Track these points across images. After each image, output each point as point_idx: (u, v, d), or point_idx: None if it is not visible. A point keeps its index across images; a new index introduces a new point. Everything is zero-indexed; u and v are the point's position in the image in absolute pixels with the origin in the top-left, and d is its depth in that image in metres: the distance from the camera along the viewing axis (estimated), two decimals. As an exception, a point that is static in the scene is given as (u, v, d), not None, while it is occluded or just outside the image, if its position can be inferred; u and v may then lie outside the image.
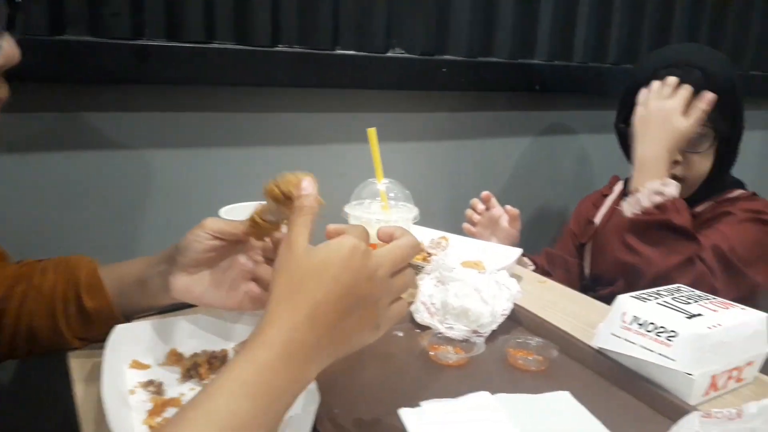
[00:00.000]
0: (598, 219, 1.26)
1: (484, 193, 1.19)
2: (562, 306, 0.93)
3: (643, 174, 1.02)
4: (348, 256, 0.46)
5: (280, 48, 1.00)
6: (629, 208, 1.01)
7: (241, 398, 0.41)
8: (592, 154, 1.50)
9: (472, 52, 1.20)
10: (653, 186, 0.99)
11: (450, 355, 0.73)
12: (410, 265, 0.53)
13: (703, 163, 1.08)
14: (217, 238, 0.64)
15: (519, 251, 1.07)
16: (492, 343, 0.76)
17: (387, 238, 0.54)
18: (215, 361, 0.67)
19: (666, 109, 1.02)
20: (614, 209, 1.22)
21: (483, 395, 0.64)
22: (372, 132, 0.88)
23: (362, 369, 0.70)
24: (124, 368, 0.66)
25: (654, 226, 0.98)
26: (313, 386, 0.57)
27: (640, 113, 1.07)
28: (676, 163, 1.05)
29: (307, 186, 0.53)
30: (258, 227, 0.61)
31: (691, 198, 1.10)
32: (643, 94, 1.07)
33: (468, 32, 1.18)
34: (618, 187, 1.25)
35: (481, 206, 1.20)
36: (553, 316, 0.88)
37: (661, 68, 1.07)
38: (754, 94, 1.80)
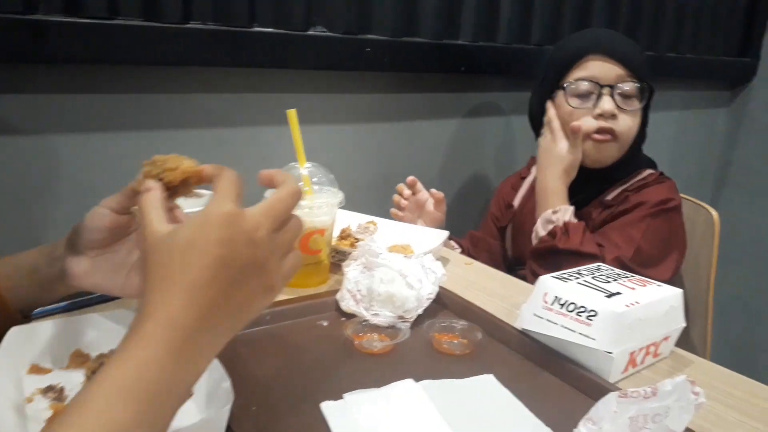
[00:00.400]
0: (517, 202, 1.28)
1: (410, 178, 1.18)
2: (488, 287, 0.94)
3: (541, 205, 1.11)
4: (216, 226, 0.42)
5: (192, 25, 0.94)
6: (533, 238, 1.09)
7: (120, 403, 0.37)
8: (516, 134, 1.51)
9: (396, 31, 1.18)
10: (546, 216, 1.08)
11: (375, 343, 0.71)
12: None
13: (634, 122, 1.11)
14: (118, 212, 0.59)
15: (445, 234, 1.07)
16: (418, 328, 0.75)
17: (267, 182, 0.51)
18: None
19: (572, 148, 1.10)
20: (531, 192, 1.24)
21: (407, 383, 0.63)
22: (292, 113, 0.85)
23: (283, 362, 0.68)
24: (22, 374, 0.61)
25: (548, 252, 1.04)
26: (227, 383, 0.54)
27: (544, 144, 1.14)
28: (613, 117, 1.09)
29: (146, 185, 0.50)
30: None
31: (607, 176, 1.14)
32: (555, 122, 1.13)
33: (392, 11, 1.15)
34: (535, 170, 1.27)
35: (407, 191, 1.20)
36: (479, 297, 0.89)
37: (576, 56, 1.11)
38: (670, 75, 1.88)
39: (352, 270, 0.83)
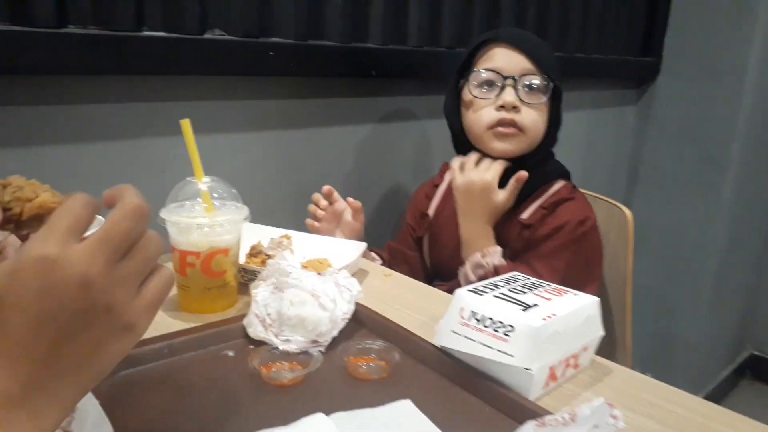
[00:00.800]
0: (431, 211, 1.25)
1: (325, 187, 1.13)
2: (408, 300, 0.90)
3: (469, 249, 1.09)
4: (32, 275, 0.35)
5: (70, 29, 0.85)
6: (462, 280, 1.08)
7: None
8: (432, 139, 1.49)
9: (301, 35, 1.12)
10: (475, 260, 1.06)
11: (285, 373, 0.66)
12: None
13: (539, 117, 1.09)
14: None
15: (363, 245, 1.02)
16: (332, 351, 0.71)
17: (110, 203, 0.42)
18: None
19: (484, 183, 1.07)
20: (446, 199, 1.23)
21: (317, 418, 0.58)
22: (185, 123, 0.78)
23: (180, 401, 0.61)
24: None
25: None
26: (108, 430, 0.47)
27: (459, 182, 1.10)
28: (515, 109, 1.07)
29: None
30: None
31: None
32: (456, 162, 1.12)
33: (295, 13, 1.09)
34: (448, 176, 1.25)
35: (323, 201, 1.14)
36: (398, 312, 0.85)
37: (481, 44, 1.10)
38: (580, 75, 1.92)
39: (261, 292, 0.77)
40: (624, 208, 1.24)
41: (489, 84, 1.08)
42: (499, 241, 1.10)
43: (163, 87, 1.00)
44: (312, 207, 1.15)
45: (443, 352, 0.68)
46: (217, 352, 0.71)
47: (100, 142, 0.96)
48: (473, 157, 1.11)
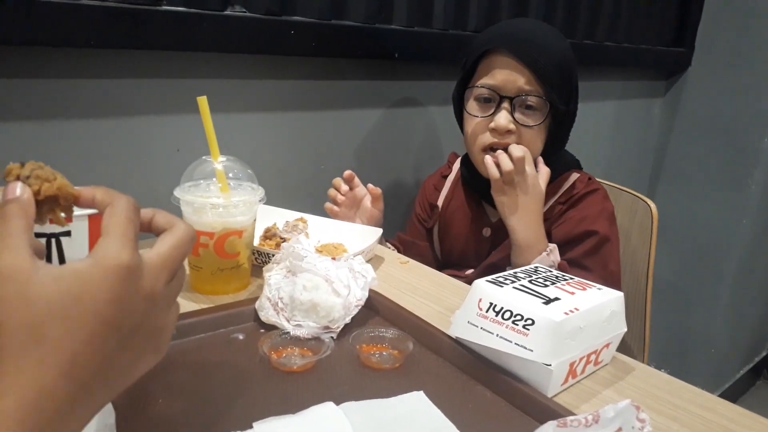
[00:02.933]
0: (440, 202, 1.21)
1: (347, 172, 1.11)
2: (424, 289, 0.88)
3: (531, 253, 1.00)
4: (111, 281, 0.35)
5: (89, 1, 0.83)
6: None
7: None
8: (452, 126, 1.46)
9: (323, 13, 1.09)
10: (545, 261, 0.98)
11: (295, 360, 0.64)
12: None
13: (536, 138, 1.03)
14: None
15: (380, 231, 1.00)
16: (344, 338, 0.69)
17: (148, 227, 0.43)
18: None
19: (527, 180, 0.99)
20: (454, 190, 1.20)
21: (326, 407, 0.56)
22: (203, 101, 0.76)
23: (186, 386, 0.59)
24: None
25: None
26: (112, 420, 0.46)
27: (500, 199, 1.01)
28: (509, 132, 1.00)
29: (13, 189, 0.38)
30: None
31: None
32: (492, 168, 1.00)
33: (319, -9, 1.06)
34: (456, 166, 1.21)
35: (345, 186, 1.12)
36: (413, 301, 0.83)
37: (483, 50, 1.02)
38: (608, 65, 1.87)
39: (274, 275, 0.75)
40: (649, 201, 1.21)
41: (486, 100, 1.03)
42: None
43: (181, 63, 0.98)
44: (332, 191, 1.13)
45: (458, 343, 0.66)
46: (227, 334, 0.70)
47: (116, 118, 0.95)
48: (504, 162, 1.00)
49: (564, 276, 0.70)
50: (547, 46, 1.00)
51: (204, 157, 0.80)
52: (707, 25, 2.10)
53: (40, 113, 0.88)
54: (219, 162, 0.79)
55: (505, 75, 1.00)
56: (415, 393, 0.59)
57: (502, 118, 1.00)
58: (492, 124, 1.01)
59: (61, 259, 0.59)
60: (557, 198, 1.08)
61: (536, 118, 1.01)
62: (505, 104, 1.00)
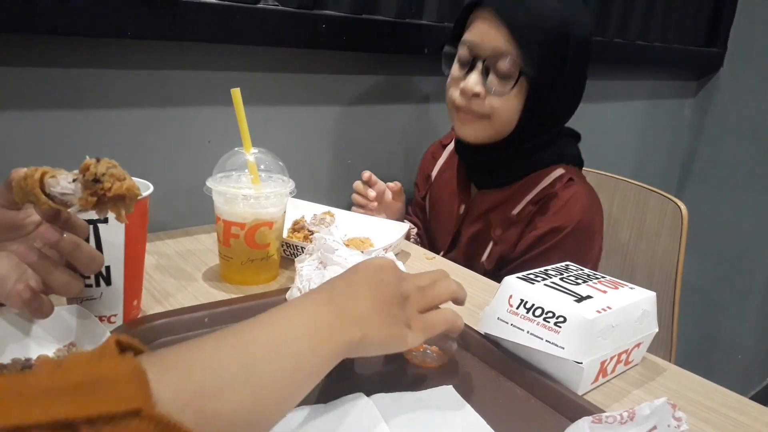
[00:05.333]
0: (434, 173, 1.16)
1: (365, 173, 1.10)
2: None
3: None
4: (379, 265, 0.54)
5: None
6: None
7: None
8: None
9: (355, 8, 1.09)
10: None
11: None
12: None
13: (505, 109, 0.93)
14: (7, 208, 0.51)
15: (407, 226, 1.01)
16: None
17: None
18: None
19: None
20: (449, 161, 1.14)
21: (359, 399, 0.56)
22: (236, 93, 0.77)
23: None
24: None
25: None
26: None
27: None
28: (476, 96, 0.93)
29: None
30: (37, 200, 0.47)
31: (505, 174, 1.01)
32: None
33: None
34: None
35: (372, 192, 1.10)
36: (440, 296, 0.83)
37: (468, 6, 0.95)
38: (639, 64, 1.84)
39: (306, 266, 0.76)
40: (679, 202, 1.19)
41: (465, 61, 0.95)
42: (497, 242, 1.01)
43: (214, 55, 0.99)
44: (360, 199, 1.12)
45: (488, 339, 0.66)
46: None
47: (150, 108, 0.96)
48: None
49: (596, 274, 0.70)
50: (540, 6, 0.90)
51: (236, 149, 0.80)
52: (740, 26, 2.06)
53: (77, 103, 0.89)
54: (251, 154, 0.80)
55: (483, 31, 0.91)
56: (444, 387, 0.59)
57: (471, 80, 0.92)
58: (461, 84, 0.94)
59: (98, 243, 0.60)
60: (531, 197, 0.99)
61: (506, 85, 0.91)
62: (479, 64, 0.92)
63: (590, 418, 0.42)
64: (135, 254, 0.65)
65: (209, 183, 0.78)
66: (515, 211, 1.00)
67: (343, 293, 0.50)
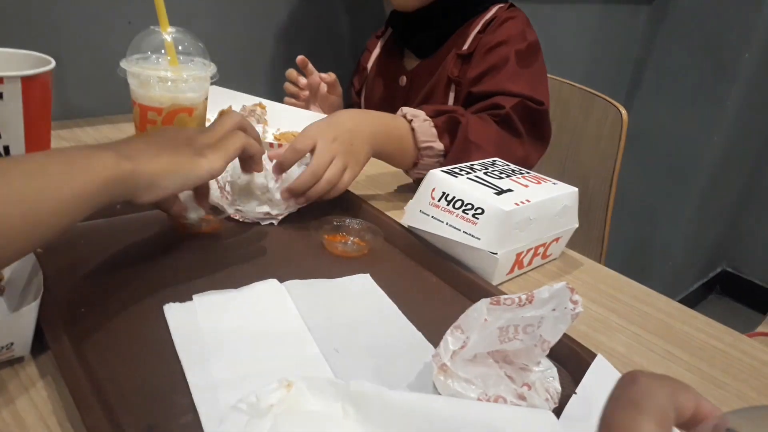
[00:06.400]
0: (369, 64, 1.13)
1: (300, 57, 1.04)
2: (381, 180, 0.86)
3: (402, 144, 0.83)
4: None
5: None
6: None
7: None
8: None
9: None
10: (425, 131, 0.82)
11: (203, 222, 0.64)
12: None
13: None
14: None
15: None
16: (305, 227, 0.67)
17: None
18: None
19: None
20: (382, 53, 1.11)
21: (269, 283, 0.55)
22: (149, -37, 0.69)
23: (126, 257, 0.58)
24: None
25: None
26: (39, 276, 0.45)
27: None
28: None
29: None
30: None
31: (446, 25, 1.00)
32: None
33: None
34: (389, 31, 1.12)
35: (303, 79, 1.05)
36: (368, 190, 0.81)
37: None
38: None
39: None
40: (620, 107, 1.18)
41: None
42: (457, 82, 0.98)
43: None
44: (290, 86, 1.07)
45: (410, 232, 0.66)
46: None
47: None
48: None
49: (521, 170, 0.69)
50: None
51: (152, 27, 0.74)
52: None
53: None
54: (168, 33, 0.73)
55: None
56: (361, 275, 0.59)
57: None
58: None
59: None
60: (478, 29, 0.98)
61: None
62: None
63: (488, 299, 0.41)
64: (37, 134, 0.61)
65: (123, 64, 0.72)
66: (465, 46, 0.98)
67: (120, 142, 0.49)
